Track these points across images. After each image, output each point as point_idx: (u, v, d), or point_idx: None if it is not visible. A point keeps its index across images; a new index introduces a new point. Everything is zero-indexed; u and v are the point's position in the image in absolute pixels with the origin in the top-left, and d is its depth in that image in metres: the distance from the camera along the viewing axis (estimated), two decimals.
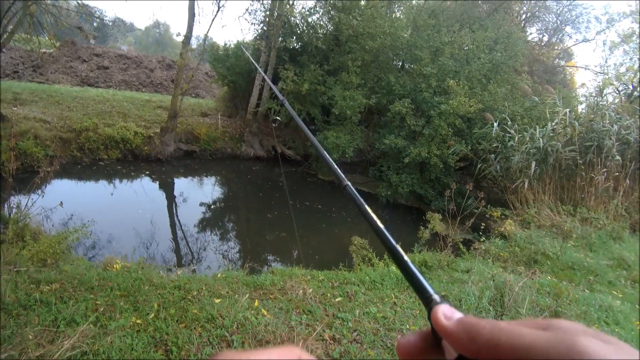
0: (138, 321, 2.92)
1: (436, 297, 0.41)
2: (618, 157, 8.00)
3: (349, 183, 0.70)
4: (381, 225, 0.54)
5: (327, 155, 0.86)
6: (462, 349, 0.34)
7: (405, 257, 0.47)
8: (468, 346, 0.33)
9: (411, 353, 0.38)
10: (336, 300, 3.74)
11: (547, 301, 3.90)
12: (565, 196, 8.08)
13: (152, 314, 3.04)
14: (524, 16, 21.45)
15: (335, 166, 0.78)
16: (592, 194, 7.86)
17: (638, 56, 17.57)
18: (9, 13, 8.32)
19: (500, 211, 7.41)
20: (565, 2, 21.00)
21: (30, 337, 2.49)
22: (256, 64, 1.91)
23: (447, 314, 0.36)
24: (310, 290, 3.86)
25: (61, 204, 4.60)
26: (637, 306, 4.35)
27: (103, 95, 14.62)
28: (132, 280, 3.58)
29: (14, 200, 4.76)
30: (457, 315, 0.36)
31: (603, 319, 3.80)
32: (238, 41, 14.67)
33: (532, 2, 20.81)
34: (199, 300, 3.37)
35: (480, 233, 6.56)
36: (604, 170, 7.93)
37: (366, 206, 0.60)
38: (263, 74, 2.21)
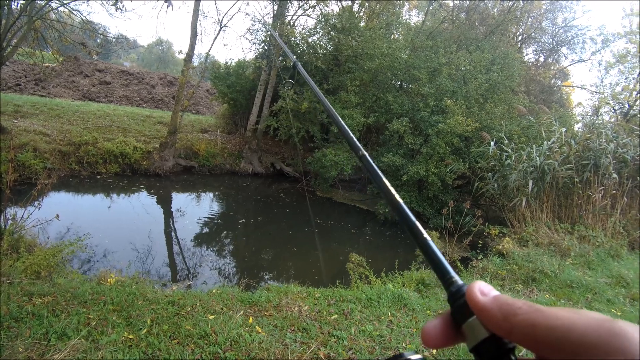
0: (130, 336, 2.88)
1: (457, 278, 0.39)
2: (615, 175, 8.02)
3: (366, 153, 0.67)
4: (400, 200, 0.50)
5: (343, 123, 0.81)
6: (495, 327, 0.33)
7: (425, 235, 0.45)
8: (502, 324, 0.32)
9: (438, 339, 0.37)
10: (332, 317, 3.69)
11: None
12: (563, 214, 8.07)
13: (145, 330, 2.99)
14: (520, 37, 21.90)
15: (351, 134, 0.75)
16: (590, 211, 7.87)
17: (637, 74, 17.84)
18: (13, 27, 8.45)
19: (498, 229, 7.39)
20: (560, 24, 21.49)
21: (21, 349, 2.45)
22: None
23: (483, 290, 0.35)
24: (306, 307, 3.82)
25: (57, 216, 4.58)
26: (636, 324, 4.29)
27: (104, 109, 14.75)
28: (126, 294, 3.54)
29: (10, 211, 4.75)
30: (494, 292, 0.35)
31: None
32: (244, 59, 14.89)
33: (529, 24, 21.28)
34: (193, 316, 3.33)
35: (478, 251, 6.53)
36: (601, 188, 7.95)
37: (384, 179, 0.55)
38: (277, 37, 2.22)
